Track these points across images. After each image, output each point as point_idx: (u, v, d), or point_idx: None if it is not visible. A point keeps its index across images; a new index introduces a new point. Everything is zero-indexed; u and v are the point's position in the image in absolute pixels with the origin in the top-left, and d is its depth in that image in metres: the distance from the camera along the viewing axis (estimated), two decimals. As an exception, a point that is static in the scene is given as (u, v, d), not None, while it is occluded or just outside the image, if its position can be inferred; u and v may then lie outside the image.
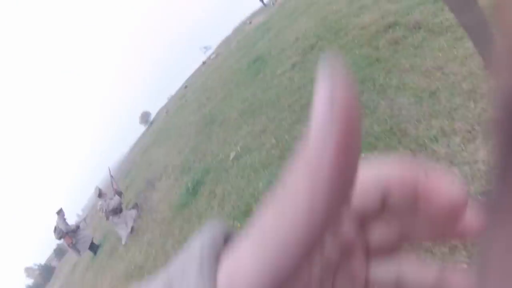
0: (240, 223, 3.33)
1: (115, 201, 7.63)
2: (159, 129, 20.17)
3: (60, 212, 9.28)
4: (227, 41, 31.81)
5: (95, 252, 9.37)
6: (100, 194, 7.95)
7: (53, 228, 9.14)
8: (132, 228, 7.09)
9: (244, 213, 3.40)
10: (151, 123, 48.38)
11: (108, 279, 6.21)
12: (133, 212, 7.53)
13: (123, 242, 7.05)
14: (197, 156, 6.62)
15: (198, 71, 33.11)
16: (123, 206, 7.90)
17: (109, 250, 7.72)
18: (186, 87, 30.09)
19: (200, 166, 5.89)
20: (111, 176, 9.26)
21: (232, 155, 4.86)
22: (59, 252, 46.89)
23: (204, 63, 32.30)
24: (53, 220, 9.24)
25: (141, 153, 19.00)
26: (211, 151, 6.02)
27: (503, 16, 0.11)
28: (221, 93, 9.84)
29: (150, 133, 26.63)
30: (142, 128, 56.56)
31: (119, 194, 8.24)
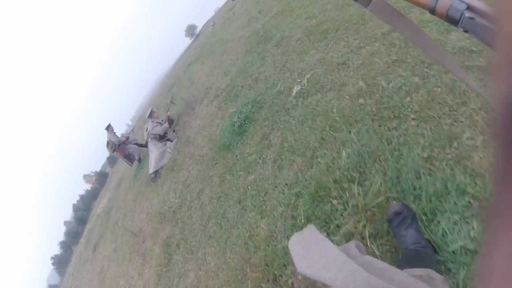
0: (307, 212, 2.15)
1: (163, 127, 7.20)
2: (203, 43, 18.61)
3: (109, 127, 9.38)
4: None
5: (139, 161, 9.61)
6: (151, 115, 7.69)
7: (105, 143, 9.40)
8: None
9: (314, 197, 2.17)
10: (197, 36, 46.42)
11: (145, 211, 5.69)
12: (170, 145, 6.81)
13: (150, 172, 6.56)
14: (246, 81, 5.37)
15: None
16: (168, 135, 7.35)
17: (146, 176, 7.14)
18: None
19: (250, 95, 4.67)
20: (172, 103, 8.97)
21: (296, 89, 3.56)
22: (111, 160, 50.36)
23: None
24: (104, 132, 9.58)
25: (184, 68, 17.94)
26: (265, 78, 4.73)
27: (503, 23, 0.11)
28: (277, 6, 8.11)
29: (195, 47, 25.11)
30: (188, 41, 54.84)
31: (171, 122, 7.81)
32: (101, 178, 48.55)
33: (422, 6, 0.55)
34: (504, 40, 0.11)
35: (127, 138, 9.89)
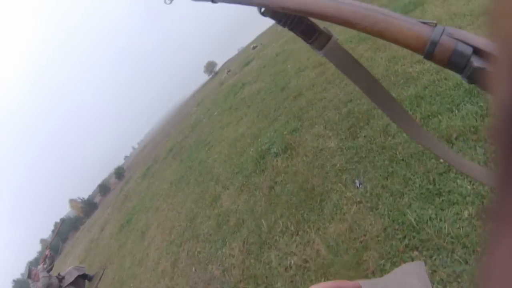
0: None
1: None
2: (192, 126, 13.78)
3: (30, 274, 6.40)
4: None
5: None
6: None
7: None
8: None
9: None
10: (215, 74, 43.69)
11: None
12: None
13: None
14: None
15: (272, 29, 25.72)
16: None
17: None
18: (254, 47, 23.07)
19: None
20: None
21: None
22: (103, 188, 45.43)
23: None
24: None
25: (167, 149, 13.25)
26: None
27: (501, 26, 0.11)
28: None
29: (195, 111, 20.25)
30: (205, 77, 52.27)
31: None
32: (87, 207, 43.30)
33: (415, 50, 0.42)
34: (504, 41, 0.10)
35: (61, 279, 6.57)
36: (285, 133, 4.51)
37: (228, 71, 24.62)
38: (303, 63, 7.54)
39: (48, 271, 6.51)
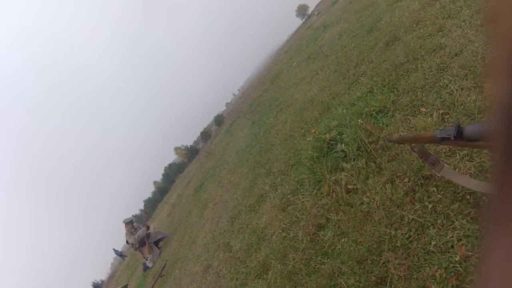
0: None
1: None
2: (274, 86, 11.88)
3: (127, 223, 7.47)
4: None
5: None
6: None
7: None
8: None
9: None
10: (308, 17, 40.08)
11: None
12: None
13: None
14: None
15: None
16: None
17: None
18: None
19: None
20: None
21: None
22: (205, 135, 47.69)
23: None
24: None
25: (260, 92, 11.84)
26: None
27: (499, 26, 0.10)
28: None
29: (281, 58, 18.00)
30: (298, 21, 48.58)
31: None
32: (191, 153, 46.27)
33: None
34: (502, 41, 0.10)
35: (147, 229, 7.32)
36: (363, 115, 2.55)
37: (318, 13, 21.71)
38: (400, -11, 4.99)
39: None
